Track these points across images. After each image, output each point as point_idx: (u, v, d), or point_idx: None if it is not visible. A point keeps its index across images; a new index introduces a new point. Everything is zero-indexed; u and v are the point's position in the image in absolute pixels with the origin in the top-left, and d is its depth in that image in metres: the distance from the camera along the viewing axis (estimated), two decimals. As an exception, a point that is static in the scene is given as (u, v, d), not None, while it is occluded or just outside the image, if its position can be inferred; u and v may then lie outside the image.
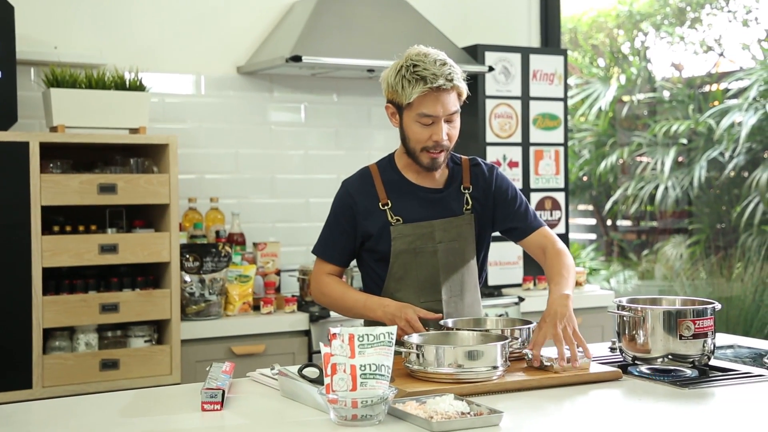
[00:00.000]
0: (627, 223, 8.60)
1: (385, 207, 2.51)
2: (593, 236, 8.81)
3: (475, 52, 4.41)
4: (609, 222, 8.62)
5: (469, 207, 2.57)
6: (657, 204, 7.44)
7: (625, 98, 8.06)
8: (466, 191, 2.57)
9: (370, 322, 2.52)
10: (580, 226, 9.00)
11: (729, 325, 5.32)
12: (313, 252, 2.62)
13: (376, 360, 1.91)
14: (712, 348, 2.31)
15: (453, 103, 2.42)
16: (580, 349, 2.27)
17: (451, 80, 2.38)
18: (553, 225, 4.61)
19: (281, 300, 3.80)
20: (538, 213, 4.47)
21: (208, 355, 3.50)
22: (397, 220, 2.50)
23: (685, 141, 7.50)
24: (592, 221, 8.86)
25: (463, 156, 2.64)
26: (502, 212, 2.60)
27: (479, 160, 2.63)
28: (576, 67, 8.53)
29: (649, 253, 7.78)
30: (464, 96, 2.46)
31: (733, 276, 5.78)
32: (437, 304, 2.51)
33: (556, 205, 4.63)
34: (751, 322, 5.33)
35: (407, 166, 2.55)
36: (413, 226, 2.50)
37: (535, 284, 4.43)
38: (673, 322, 2.27)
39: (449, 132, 2.44)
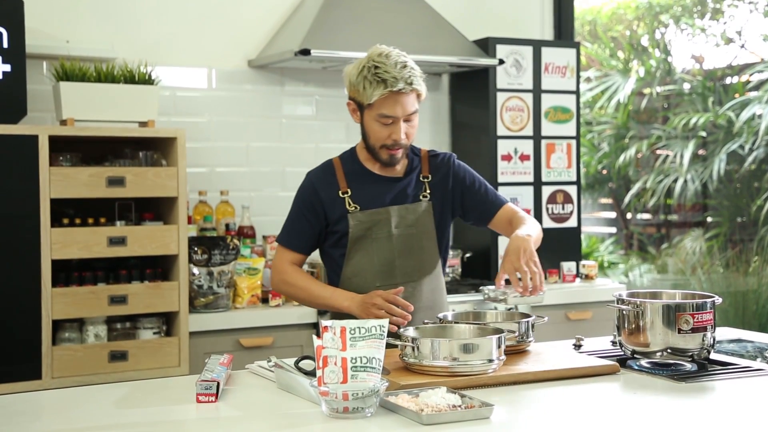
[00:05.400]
0: (647, 216, 8.54)
1: (345, 195, 2.57)
2: (613, 229, 8.76)
3: (486, 45, 4.40)
4: (629, 215, 8.57)
5: (427, 195, 2.62)
6: (676, 197, 7.38)
7: (645, 91, 7.99)
8: (425, 180, 2.64)
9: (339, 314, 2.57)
10: (600, 220, 8.95)
11: (745, 319, 5.27)
12: (277, 240, 2.68)
13: (368, 353, 1.92)
14: (712, 342, 2.30)
15: (412, 104, 2.49)
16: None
17: (411, 83, 2.46)
18: (565, 219, 4.59)
19: (290, 293, 3.82)
20: (549, 207, 4.54)
21: (216, 347, 3.52)
22: (355, 208, 2.56)
23: (704, 134, 7.43)
24: (612, 214, 8.81)
25: (422, 148, 2.71)
26: (465, 200, 2.67)
27: (437, 151, 2.71)
28: (595, 60, 8.48)
29: (668, 246, 7.73)
30: (423, 96, 2.54)
31: (750, 270, 5.73)
32: (393, 288, 2.52)
33: (568, 199, 4.61)
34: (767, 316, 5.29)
35: (367, 158, 2.62)
36: (369, 213, 2.57)
37: (546, 277, 4.42)
38: (672, 315, 2.26)
39: (407, 131, 2.52)
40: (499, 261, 4.37)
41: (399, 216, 2.58)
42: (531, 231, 2.47)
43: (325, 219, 2.59)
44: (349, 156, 2.65)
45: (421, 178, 2.63)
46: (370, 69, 2.45)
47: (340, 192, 2.58)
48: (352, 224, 2.56)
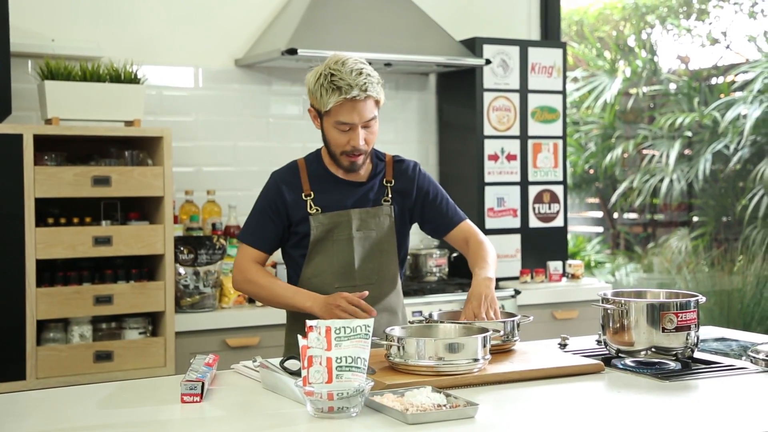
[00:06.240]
0: (633, 215, 8.56)
1: (307, 198, 2.59)
2: (600, 229, 8.79)
3: (473, 45, 4.41)
4: (615, 215, 8.59)
5: (389, 199, 2.65)
6: (662, 197, 7.41)
7: (632, 91, 8.02)
8: (389, 184, 2.66)
9: (294, 316, 2.61)
10: (587, 219, 8.97)
11: (730, 318, 5.30)
12: (239, 238, 2.68)
13: (353, 352, 1.92)
14: (696, 341, 2.31)
15: (369, 111, 2.50)
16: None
17: (366, 90, 2.46)
18: (551, 218, 4.61)
19: (276, 292, 3.81)
20: (536, 206, 4.55)
21: (202, 347, 3.51)
22: (317, 210, 2.58)
23: (690, 134, 7.46)
24: (599, 214, 8.83)
25: (387, 153, 2.74)
26: (424, 211, 2.71)
27: (402, 157, 2.74)
28: (582, 60, 8.49)
29: (654, 246, 7.76)
30: (381, 102, 2.55)
31: (735, 269, 5.75)
32: (351, 290, 2.56)
33: (554, 198, 4.62)
34: (752, 315, 5.31)
35: (332, 162, 2.64)
36: (330, 215, 2.59)
37: (532, 277, 4.43)
38: (656, 314, 2.27)
39: (366, 137, 2.53)
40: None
41: (360, 219, 2.60)
42: (491, 271, 2.56)
43: (287, 219, 2.60)
44: (314, 158, 2.67)
45: (384, 183, 2.66)
46: (326, 77, 2.46)
47: (303, 194, 2.59)
48: (314, 226, 2.58)
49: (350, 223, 2.59)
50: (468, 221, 2.75)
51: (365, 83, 2.45)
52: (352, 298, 2.42)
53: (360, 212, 2.60)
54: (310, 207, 2.58)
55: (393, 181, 2.66)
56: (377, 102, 2.52)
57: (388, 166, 2.68)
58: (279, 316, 3.69)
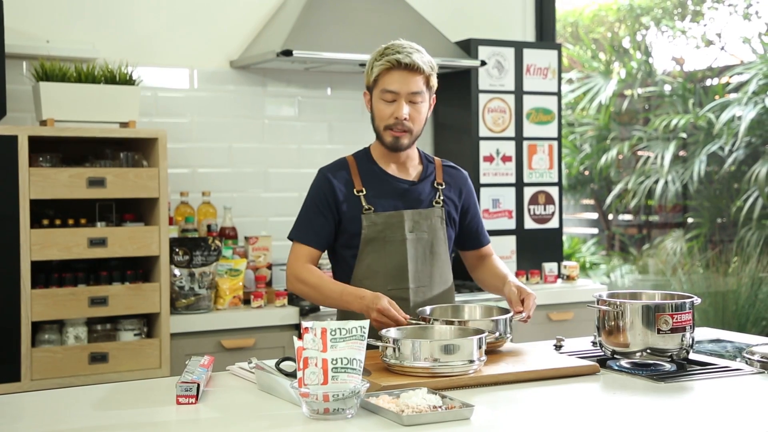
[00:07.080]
0: (628, 217, 8.58)
1: (360, 194, 2.57)
2: (595, 230, 8.80)
3: (468, 47, 4.41)
4: (610, 216, 8.61)
5: (440, 201, 2.63)
6: (656, 198, 7.42)
7: (626, 92, 8.03)
8: (440, 187, 2.65)
9: (345, 313, 2.55)
10: (582, 221, 8.98)
11: (725, 319, 5.30)
12: (290, 237, 2.62)
13: (348, 354, 1.92)
14: (691, 342, 2.31)
15: (416, 84, 2.51)
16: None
17: (414, 61, 2.48)
18: (546, 219, 4.61)
19: (272, 294, 3.82)
20: (531, 208, 4.56)
21: (197, 349, 3.51)
22: (369, 209, 2.56)
23: (684, 135, 7.47)
24: (594, 215, 8.85)
25: (436, 157, 2.74)
26: (461, 224, 2.72)
27: (452, 163, 2.75)
28: (577, 61, 8.51)
29: (649, 247, 7.77)
30: (432, 84, 2.56)
31: (730, 270, 5.77)
32: (404, 293, 2.56)
33: (549, 200, 4.62)
34: (747, 316, 5.32)
35: (382, 158, 2.62)
36: (383, 215, 2.56)
37: (527, 278, 4.43)
38: (651, 316, 2.27)
39: (412, 114, 2.52)
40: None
41: (413, 220, 2.58)
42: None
43: (338, 214, 2.57)
44: (364, 155, 2.65)
45: (435, 185, 2.65)
46: (381, 51, 2.52)
47: (355, 190, 2.57)
48: (365, 225, 2.55)
49: (403, 224, 2.57)
50: (490, 245, 2.80)
51: (416, 57, 2.49)
52: (388, 311, 2.36)
53: (413, 213, 2.58)
54: (364, 202, 2.56)
55: (443, 183, 2.66)
56: (428, 80, 2.53)
57: (438, 169, 2.68)
58: (274, 318, 3.70)
